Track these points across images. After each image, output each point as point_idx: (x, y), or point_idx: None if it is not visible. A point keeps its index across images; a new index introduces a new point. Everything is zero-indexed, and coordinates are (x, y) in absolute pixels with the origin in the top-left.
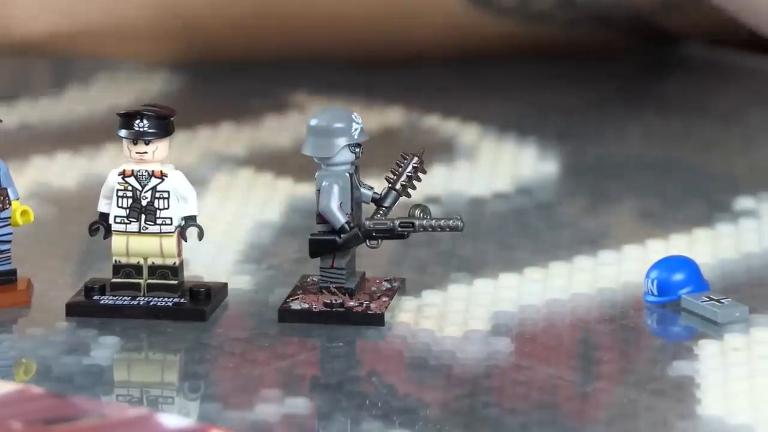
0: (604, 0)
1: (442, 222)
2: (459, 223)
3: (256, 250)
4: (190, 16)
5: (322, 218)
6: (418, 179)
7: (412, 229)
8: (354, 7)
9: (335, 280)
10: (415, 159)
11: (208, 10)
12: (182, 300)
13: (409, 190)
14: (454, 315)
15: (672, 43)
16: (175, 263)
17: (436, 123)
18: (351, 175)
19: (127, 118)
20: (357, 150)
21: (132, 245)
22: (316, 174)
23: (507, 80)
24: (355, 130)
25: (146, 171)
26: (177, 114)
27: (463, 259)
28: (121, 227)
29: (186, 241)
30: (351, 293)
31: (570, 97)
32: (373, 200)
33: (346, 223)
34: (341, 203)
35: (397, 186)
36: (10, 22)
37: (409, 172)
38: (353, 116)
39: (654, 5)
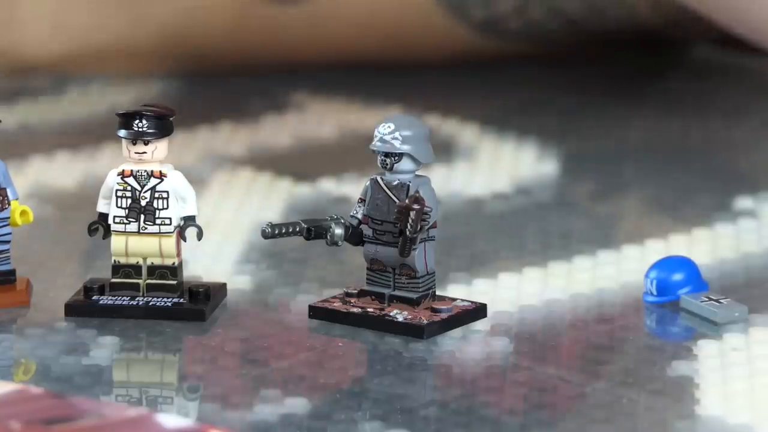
0: (608, 19)
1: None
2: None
3: (256, 250)
4: (195, 29)
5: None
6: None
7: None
8: (358, 27)
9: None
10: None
11: (209, 18)
12: (181, 300)
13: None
14: None
15: (675, 47)
16: (174, 263)
17: (435, 123)
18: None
19: (126, 118)
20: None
21: (131, 245)
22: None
23: (506, 80)
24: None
25: (145, 171)
26: (176, 114)
27: (463, 259)
28: (121, 227)
29: (185, 241)
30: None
31: (570, 98)
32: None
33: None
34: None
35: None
36: (22, 45)
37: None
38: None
39: (658, 22)
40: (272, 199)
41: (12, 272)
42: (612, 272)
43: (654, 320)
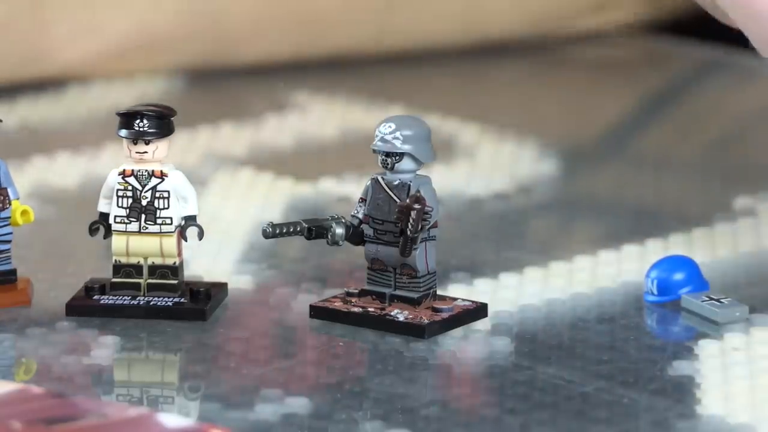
0: None
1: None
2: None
3: (257, 250)
4: (212, 23)
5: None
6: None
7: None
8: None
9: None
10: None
11: (226, 13)
12: (182, 300)
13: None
14: None
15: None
16: (175, 263)
17: (436, 122)
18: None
19: (127, 118)
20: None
21: (132, 245)
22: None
23: (507, 80)
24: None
25: (146, 171)
26: (177, 114)
27: (463, 259)
28: (121, 227)
29: (186, 240)
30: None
31: (571, 97)
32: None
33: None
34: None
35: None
36: (48, 52)
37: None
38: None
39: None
40: (273, 198)
41: (13, 272)
42: (612, 272)
43: (655, 320)
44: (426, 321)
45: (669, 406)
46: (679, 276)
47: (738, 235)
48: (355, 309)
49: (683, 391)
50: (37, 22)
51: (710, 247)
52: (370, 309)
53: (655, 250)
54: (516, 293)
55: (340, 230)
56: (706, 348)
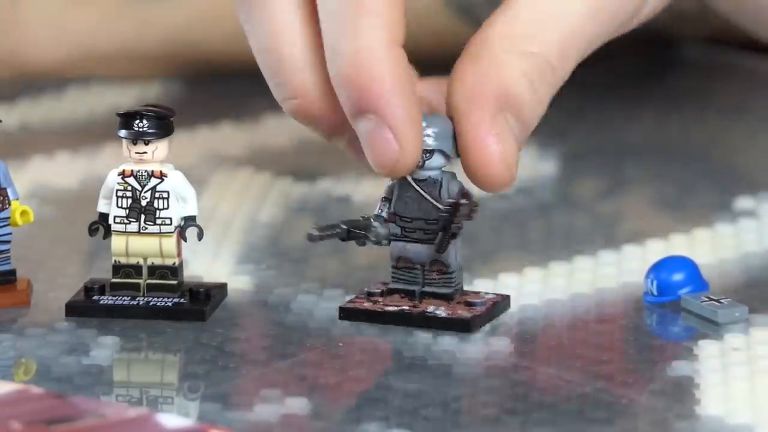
0: None
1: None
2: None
3: (256, 250)
4: (199, 34)
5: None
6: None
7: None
8: None
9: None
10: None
11: (214, 23)
12: (182, 300)
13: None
14: None
15: (672, 46)
16: (174, 263)
17: None
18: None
19: (126, 118)
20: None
21: (131, 245)
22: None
23: None
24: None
25: (146, 171)
26: (177, 114)
27: (464, 258)
28: (121, 227)
29: (185, 241)
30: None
31: (570, 97)
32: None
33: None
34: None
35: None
36: (26, 49)
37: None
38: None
39: (663, 17)
40: (272, 198)
41: (12, 272)
42: (612, 272)
43: (654, 320)
44: (468, 315)
45: (668, 406)
46: (678, 276)
47: (738, 236)
48: (390, 308)
49: (683, 392)
50: (13, 20)
51: (710, 248)
52: (405, 307)
53: (655, 250)
54: (516, 293)
55: (383, 230)
56: (705, 348)
